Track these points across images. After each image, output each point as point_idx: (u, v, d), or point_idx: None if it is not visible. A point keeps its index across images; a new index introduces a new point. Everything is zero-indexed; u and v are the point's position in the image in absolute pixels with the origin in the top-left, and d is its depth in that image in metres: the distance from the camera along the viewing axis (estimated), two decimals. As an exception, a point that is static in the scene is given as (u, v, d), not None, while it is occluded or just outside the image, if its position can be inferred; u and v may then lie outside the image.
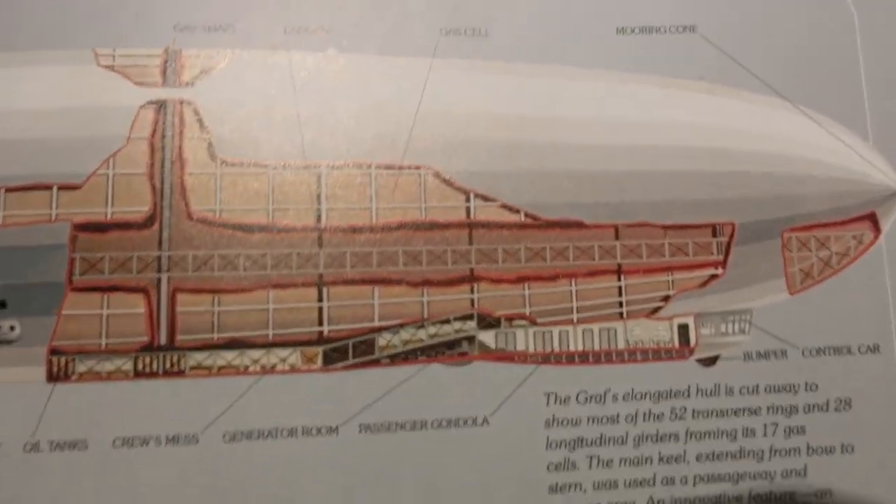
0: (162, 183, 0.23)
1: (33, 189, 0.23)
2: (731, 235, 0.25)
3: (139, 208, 0.23)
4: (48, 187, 0.23)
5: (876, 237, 0.25)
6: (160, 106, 0.24)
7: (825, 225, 0.25)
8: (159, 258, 0.23)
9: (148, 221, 0.23)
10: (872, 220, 0.25)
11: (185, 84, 0.24)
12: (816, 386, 0.24)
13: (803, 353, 0.24)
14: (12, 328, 0.22)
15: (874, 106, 0.25)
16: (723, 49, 0.25)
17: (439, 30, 0.25)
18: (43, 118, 0.23)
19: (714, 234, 0.25)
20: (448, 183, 0.24)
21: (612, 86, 0.25)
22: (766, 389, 0.24)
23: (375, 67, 0.25)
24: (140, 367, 0.22)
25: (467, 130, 0.24)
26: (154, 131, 0.23)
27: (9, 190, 0.23)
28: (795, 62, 0.25)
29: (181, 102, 0.24)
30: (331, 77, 0.24)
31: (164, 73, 0.24)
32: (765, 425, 0.24)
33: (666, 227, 0.25)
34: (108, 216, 0.23)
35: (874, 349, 0.24)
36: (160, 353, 0.23)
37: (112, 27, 0.24)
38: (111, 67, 0.24)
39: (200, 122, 0.24)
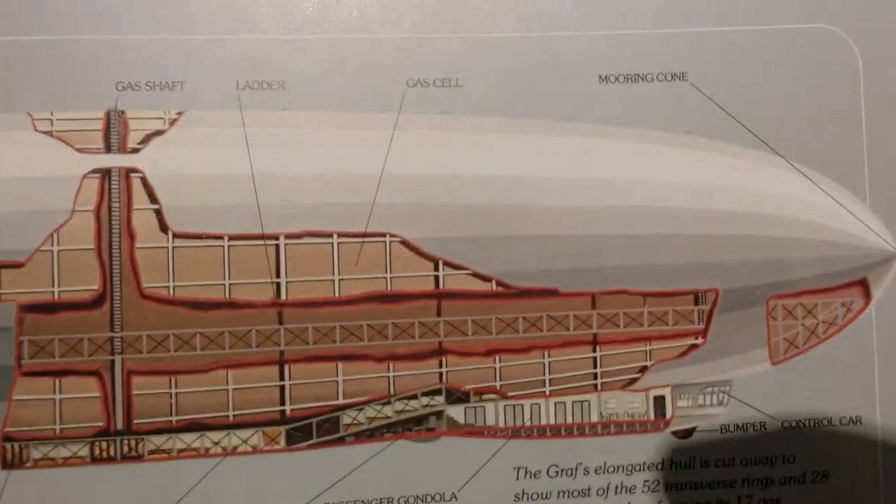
0: (111, 259, 0.23)
1: (-26, 267, 0.22)
2: (714, 303, 0.24)
3: (88, 287, 0.23)
4: (-10, 265, 0.22)
5: (866, 304, 0.24)
6: (105, 175, 0.23)
7: (814, 292, 0.24)
8: (111, 340, 0.23)
9: (98, 301, 0.23)
10: (864, 286, 0.24)
11: (131, 149, 0.23)
12: (794, 458, 0.24)
13: (783, 424, 0.24)
14: (-37, 414, 0.22)
15: (874, 163, 0.24)
16: (714, 100, 0.24)
17: (406, 81, 0.24)
18: (-20, 189, 0.23)
19: (696, 302, 0.24)
20: (415, 251, 0.24)
21: (591, 141, 0.24)
22: (742, 462, 0.24)
23: (336, 125, 0.24)
24: (97, 452, 0.23)
25: (436, 193, 0.24)
26: (100, 203, 0.23)
27: (-51, 268, 0.22)
28: (792, 115, 0.24)
29: (127, 171, 0.23)
30: (287, 137, 0.23)
31: (107, 137, 0.23)
32: (739, 498, 0.24)
33: (645, 295, 0.24)
34: (56, 296, 0.22)
35: (856, 421, 0.24)
36: (117, 438, 0.23)
37: (48, 87, 0.23)
38: (49, 133, 0.23)
39: (149, 191, 0.23)
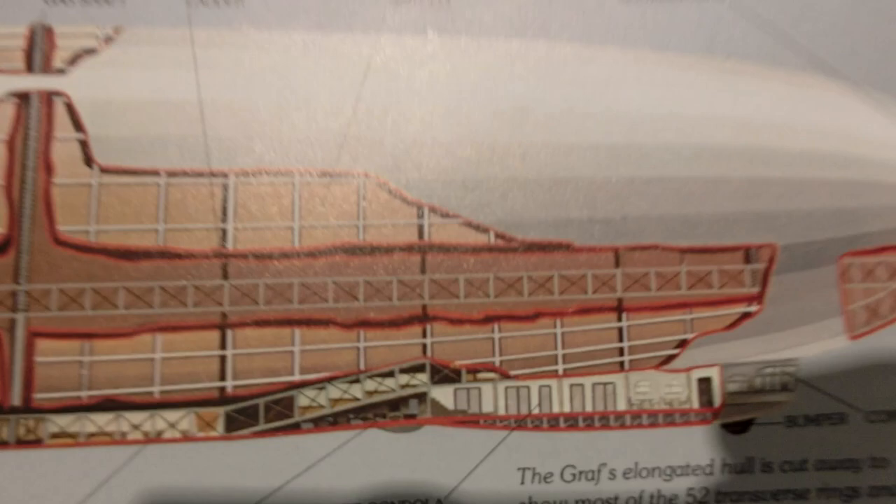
0: (22, 196, 0.19)
1: None
2: (771, 261, 0.19)
3: (-7, 229, 0.19)
4: None
5: (967, 262, 0.19)
6: (22, 99, 0.19)
7: (897, 246, 0.19)
8: (14, 293, 0.18)
9: (2, 247, 0.19)
10: (962, 238, 0.19)
11: (57, 71, 0.19)
12: (886, 461, 0.19)
13: (868, 416, 0.19)
14: None
15: (963, 87, 0.20)
16: (760, 15, 0.20)
17: (386, -4, 0.20)
18: None
19: (748, 260, 0.20)
20: (395, 194, 0.19)
21: (614, 67, 0.20)
22: (816, 466, 0.19)
23: (302, 46, 0.20)
24: (-13, 435, 0.18)
25: (421, 127, 0.20)
26: (14, 131, 0.19)
27: None
28: (856, 30, 0.20)
29: (49, 94, 0.19)
30: (244, 60, 0.20)
31: (28, 55, 0.19)
32: None
33: (682, 251, 0.20)
34: (-47, 239, 0.18)
35: (965, 413, 0.19)
36: (12, 417, 0.18)
37: None
38: (-37, 49, 0.19)
39: (74, 117, 0.19)
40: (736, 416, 0.20)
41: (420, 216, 0.20)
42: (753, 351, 0.20)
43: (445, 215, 0.20)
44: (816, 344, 0.20)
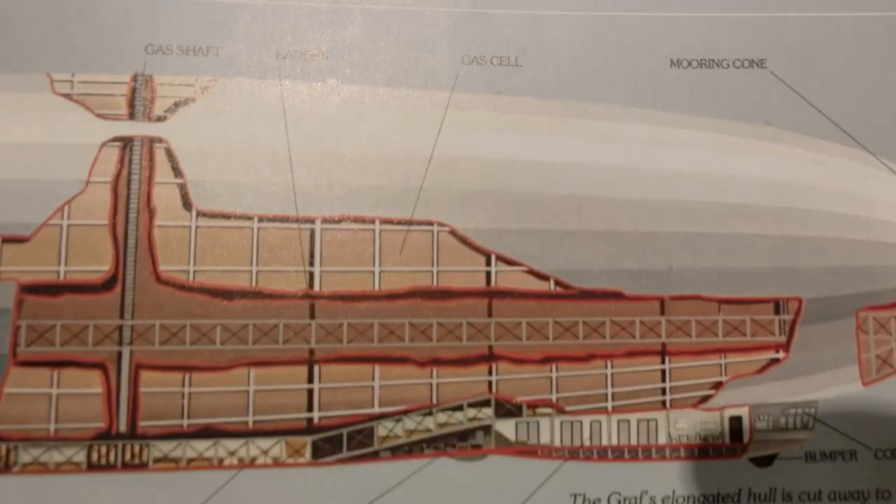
0: (126, 237, 0.21)
1: (-27, 241, 0.20)
2: (798, 313, 0.22)
3: (98, 267, 0.21)
4: (-9, 239, 0.20)
5: (968, 320, 0.22)
6: (126, 144, 0.21)
7: (908, 303, 0.22)
8: (121, 328, 0.20)
9: (108, 283, 0.21)
10: (964, 298, 0.22)
11: (157, 118, 0.21)
12: (890, 493, 0.22)
13: (876, 454, 0.22)
14: (-55, 407, 0.20)
15: (972, 162, 0.23)
16: (796, 89, 0.23)
17: (461, 58, 0.22)
18: (-14, 154, 0.21)
19: (777, 311, 0.22)
20: (465, 242, 0.22)
21: (662, 129, 0.23)
22: (830, 496, 0.22)
23: (383, 102, 0.22)
24: (94, 458, 0.20)
25: (490, 180, 0.22)
26: (118, 174, 0.21)
27: (-56, 241, 0.20)
28: (882, 107, 0.23)
29: (151, 140, 0.21)
30: (330, 112, 0.22)
31: (131, 103, 0.21)
32: None
33: (720, 301, 0.22)
34: (62, 276, 0.21)
35: (960, 452, 0.22)
36: (119, 442, 0.20)
37: (71, 47, 0.21)
38: (69, 96, 0.21)
39: (174, 164, 0.21)
40: (762, 451, 0.22)
41: (488, 264, 0.22)
42: (779, 393, 0.23)
43: (510, 263, 0.22)
44: (834, 388, 0.23)
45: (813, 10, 0.24)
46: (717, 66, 0.24)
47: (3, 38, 0.22)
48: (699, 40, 0.24)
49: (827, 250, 0.23)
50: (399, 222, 0.22)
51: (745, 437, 0.23)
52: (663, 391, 0.23)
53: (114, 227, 0.21)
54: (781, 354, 0.23)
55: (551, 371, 0.22)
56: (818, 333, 0.23)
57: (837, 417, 0.23)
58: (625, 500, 0.22)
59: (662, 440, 0.22)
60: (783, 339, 0.23)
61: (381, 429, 0.22)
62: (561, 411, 0.22)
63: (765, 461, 0.23)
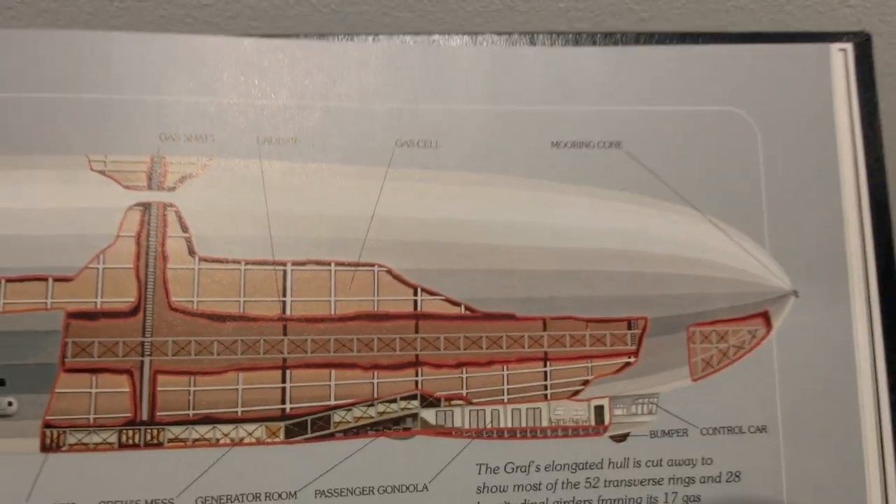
0: (146, 276, 0.29)
1: (31, 280, 0.29)
2: (644, 329, 0.31)
3: (125, 299, 0.29)
4: (44, 279, 0.29)
5: (767, 332, 0.32)
6: (146, 208, 0.30)
7: (725, 321, 0.32)
8: (143, 344, 0.29)
9: (133, 311, 0.29)
10: (766, 317, 0.32)
11: (168, 188, 0.30)
12: (711, 460, 0.31)
13: (702, 431, 0.31)
14: (10, 404, 0.28)
15: (771, 217, 0.32)
16: (644, 164, 0.32)
17: (395, 141, 0.31)
18: (40, 217, 0.29)
19: (629, 327, 0.31)
20: (398, 279, 0.30)
21: (546, 194, 0.32)
22: (668, 462, 0.31)
23: (337, 175, 0.31)
24: (124, 439, 0.28)
25: (417, 233, 0.31)
26: (140, 230, 0.29)
27: (9, 280, 0.29)
28: (706, 178, 0.32)
29: (164, 205, 0.30)
30: (297, 183, 0.30)
31: (149, 177, 0.30)
32: (666, 494, 0.31)
33: (588, 321, 0.31)
34: (98, 306, 0.29)
35: (762, 429, 0.31)
36: (142, 428, 0.28)
37: (103, 136, 0.30)
38: (103, 172, 0.30)
39: (181, 222, 0.30)
40: (618, 430, 0.31)
41: (415, 294, 0.31)
42: (631, 388, 0.32)
43: (432, 293, 0.31)
44: (671, 384, 0.32)
45: (655, 105, 0.33)
46: (586, 146, 0.33)
47: (52, 128, 0.30)
48: (572, 127, 0.33)
49: (666, 282, 0.32)
50: (349, 264, 0.31)
51: (606, 421, 0.31)
52: (545, 387, 0.31)
53: (137, 269, 0.30)
54: (633, 359, 0.32)
55: (462, 373, 0.31)
56: (659, 343, 0.32)
57: (673, 405, 0.32)
58: (517, 468, 0.31)
59: (545, 423, 0.31)
60: (634, 347, 0.32)
61: (336, 416, 0.30)
62: (469, 402, 0.31)
63: (620, 438, 0.31)
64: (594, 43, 0.34)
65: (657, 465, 0.32)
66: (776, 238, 0.33)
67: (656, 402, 0.32)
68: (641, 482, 0.31)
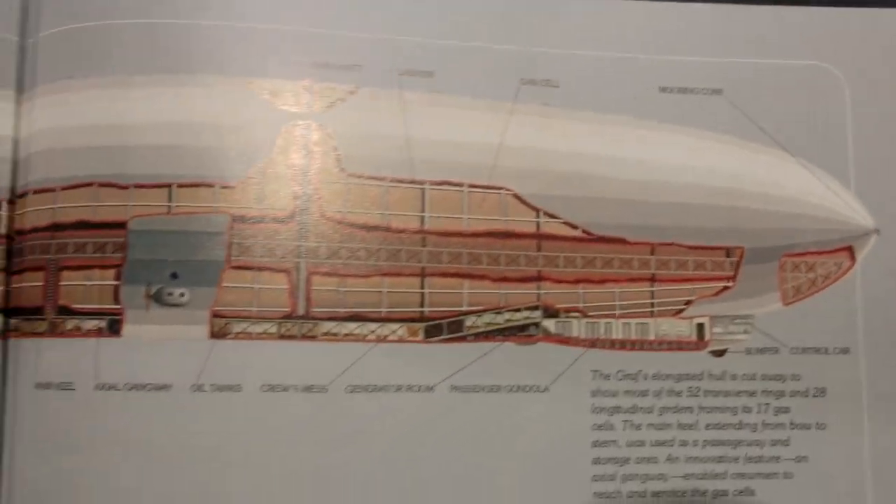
0: (302, 188, 0.33)
1: (199, 186, 0.33)
2: (741, 257, 0.36)
3: (283, 207, 0.33)
4: (211, 185, 0.33)
5: (851, 265, 0.36)
6: (301, 126, 0.34)
7: (813, 253, 0.36)
8: (299, 247, 0.33)
9: (290, 218, 0.33)
10: (850, 251, 0.37)
11: (320, 111, 0.34)
12: (799, 377, 0.36)
13: (791, 350, 0.36)
14: (182, 295, 0.33)
15: (856, 162, 0.37)
16: (742, 110, 0.37)
17: (520, 80, 0.36)
18: (206, 130, 0.34)
19: (727, 255, 0.36)
20: (523, 202, 0.35)
21: (654, 133, 0.37)
22: (761, 377, 0.35)
23: (468, 107, 0.35)
24: (283, 330, 0.33)
25: (539, 162, 0.36)
26: (296, 146, 0.34)
27: (180, 185, 0.33)
28: (798, 125, 0.38)
29: (317, 125, 0.34)
30: (434, 112, 0.35)
31: (303, 100, 0.34)
32: (759, 405, 0.35)
33: (691, 248, 0.36)
34: (259, 212, 0.33)
35: (844, 351, 0.36)
36: (299, 321, 0.33)
37: (263, 61, 0.34)
38: (263, 93, 0.34)
39: (332, 141, 0.34)
40: (717, 347, 0.36)
41: (537, 217, 0.36)
42: (728, 309, 0.36)
43: (552, 217, 0.36)
44: (764, 307, 0.36)
45: (753, 57, 0.38)
46: (690, 92, 0.38)
47: (217, 52, 0.35)
48: (678, 75, 0.38)
49: (761, 216, 0.37)
50: (480, 187, 0.36)
51: (706, 337, 0.36)
52: (652, 305, 0.36)
53: (294, 180, 0.34)
54: (730, 284, 0.37)
55: (579, 289, 0.36)
56: (754, 271, 0.37)
57: (766, 326, 0.36)
58: (627, 375, 0.36)
59: (652, 337, 0.36)
60: (731, 273, 0.37)
61: (468, 321, 0.35)
62: (585, 315, 0.36)
63: (719, 353, 0.36)
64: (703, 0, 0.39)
65: (751, 378, 0.36)
66: (860, 180, 0.38)
67: (751, 322, 0.37)
68: (737, 393, 0.36)
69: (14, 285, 0.35)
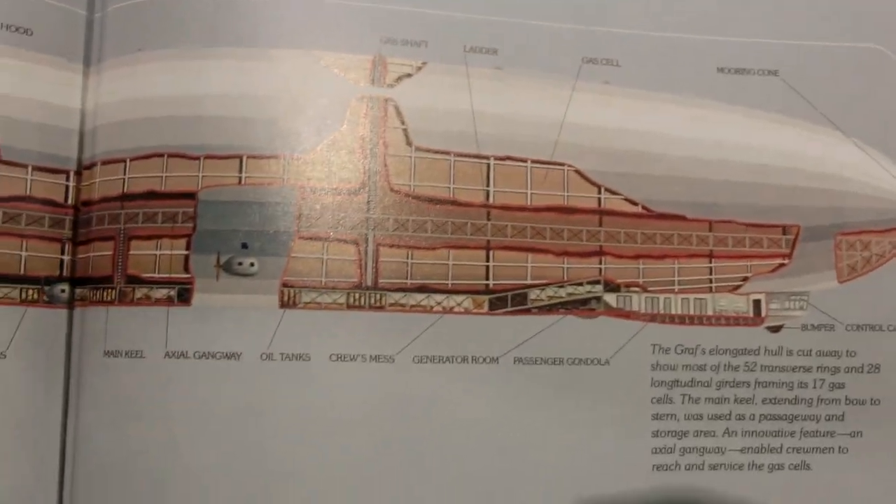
0: (370, 160, 0.34)
1: (270, 158, 0.34)
2: (797, 235, 0.37)
3: (352, 179, 0.34)
4: (281, 157, 0.34)
5: (904, 244, 0.37)
6: (369, 101, 0.35)
7: (868, 232, 0.37)
8: (367, 219, 0.34)
9: (358, 190, 0.34)
10: (903, 230, 0.37)
11: (388, 85, 0.35)
12: (855, 353, 0.36)
13: (846, 327, 0.36)
14: (252, 265, 0.33)
15: (908, 143, 0.38)
16: (798, 91, 0.37)
17: (581, 58, 0.37)
18: (278, 103, 0.34)
19: (784, 233, 0.37)
20: (585, 178, 0.36)
21: (713, 112, 0.37)
22: (817, 353, 0.36)
23: (531, 83, 0.36)
24: (351, 301, 0.33)
25: (601, 139, 0.36)
26: (364, 120, 0.34)
27: (250, 157, 0.33)
28: (852, 106, 0.38)
29: (385, 99, 0.35)
30: (498, 88, 0.36)
31: (372, 74, 0.35)
32: (814, 380, 0.36)
33: (748, 225, 0.37)
34: (328, 184, 0.34)
35: (899, 328, 0.37)
36: (366, 292, 0.33)
37: (333, 36, 0.35)
38: (332, 67, 0.35)
39: (400, 115, 0.35)
40: (773, 323, 0.37)
41: (599, 193, 0.36)
42: (785, 286, 0.37)
43: (613, 193, 0.36)
44: (820, 284, 0.37)
45: (809, 39, 0.39)
46: (747, 73, 0.38)
47: (288, 26, 0.35)
48: (736, 56, 0.38)
49: (817, 195, 0.38)
50: (543, 162, 0.36)
51: (763, 313, 0.37)
52: (710, 281, 0.37)
53: (361, 154, 0.35)
54: (786, 261, 0.37)
55: (639, 264, 0.36)
56: (810, 248, 0.38)
57: (821, 302, 0.37)
58: (686, 349, 0.36)
59: (710, 312, 0.37)
60: (788, 251, 0.37)
61: (532, 294, 0.35)
62: (645, 290, 0.36)
63: (775, 329, 0.37)
64: (760, -20, 0.40)
65: (807, 354, 0.37)
66: (913, 162, 0.39)
67: (807, 299, 0.37)
68: (793, 369, 0.37)
69: (80, 255, 0.35)
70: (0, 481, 0.33)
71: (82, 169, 0.36)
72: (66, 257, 0.35)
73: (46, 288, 0.35)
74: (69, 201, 0.35)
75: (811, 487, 0.36)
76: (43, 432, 0.34)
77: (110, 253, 0.35)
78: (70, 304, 0.35)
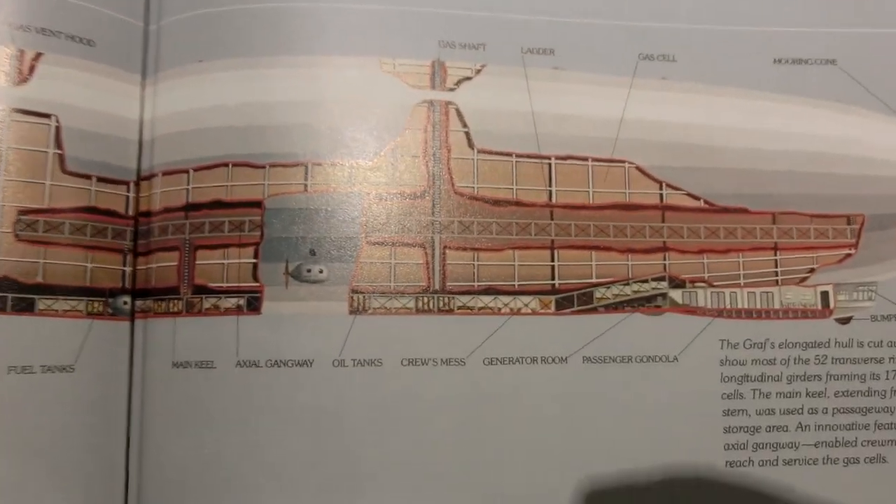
0: (434, 164, 0.34)
1: (335, 164, 0.34)
2: (861, 224, 0.36)
3: (416, 184, 0.34)
4: (345, 164, 0.34)
5: (971, 230, 0.37)
6: (430, 105, 0.35)
7: (933, 219, 0.37)
8: (433, 222, 0.34)
9: (423, 194, 0.34)
10: (969, 217, 0.37)
11: (448, 89, 0.35)
12: (924, 343, 0.36)
13: (915, 317, 0.36)
14: (321, 271, 0.33)
15: (972, 128, 0.37)
16: (857, 79, 0.37)
17: (637, 55, 0.37)
18: (341, 109, 0.34)
19: (848, 223, 0.36)
20: (646, 174, 0.36)
21: (771, 104, 0.37)
22: (888, 344, 0.36)
23: (589, 82, 0.36)
24: (420, 305, 0.34)
25: (660, 134, 0.36)
26: (426, 124, 0.35)
27: (315, 164, 0.34)
28: None
29: (446, 103, 0.35)
30: (557, 88, 0.36)
31: (432, 79, 0.35)
32: (887, 371, 0.36)
33: (812, 216, 0.36)
34: (394, 188, 0.34)
35: (969, 316, 0.36)
36: (435, 295, 0.34)
37: (392, 42, 0.35)
38: (392, 73, 0.35)
39: (461, 118, 0.35)
40: (842, 314, 0.37)
41: (660, 188, 0.36)
42: (852, 276, 0.37)
43: (675, 188, 0.36)
44: (888, 273, 0.37)
45: (866, 27, 0.39)
46: (805, 62, 0.38)
47: (350, 34, 0.36)
48: (792, 46, 0.38)
49: (880, 183, 0.38)
50: (603, 160, 0.36)
51: (831, 305, 0.37)
52: (776, 273, 0.37)
53: (425, 158, 0.35)
54: (852, 251, 0.37)
55: (704, 259, 0.36)
56: (875, 237, 0.37)
57: (890, 292, 0.37)
58: (753, 344, 0.36)
59: (777, 306, 0.36)
60: (853, 240, 0.37)
61: (598, 292, 0.35)
62: (711, 285, 0.36)
63: (845, 321, 0.37)
64: (816, -30, 0.39)
65: (878, 345, 0.37)
66: (977, 147, 0.38)
67: (875, 289, 0.37)
68: (865, 361, 0.37)
69: (140, 266, 0.36)
70: (73, 492, 0.33)
71: (140, 179, 0.36)
72: (128, 269, 0.36)
73: (110, 300, 0.35)
74: (129, 212, 0.36)
75: (888, 481, 0.36)
76: (111, 443, 0.34)
77: (175, 263, 0.35)
78: (132, 315, 0.35)
